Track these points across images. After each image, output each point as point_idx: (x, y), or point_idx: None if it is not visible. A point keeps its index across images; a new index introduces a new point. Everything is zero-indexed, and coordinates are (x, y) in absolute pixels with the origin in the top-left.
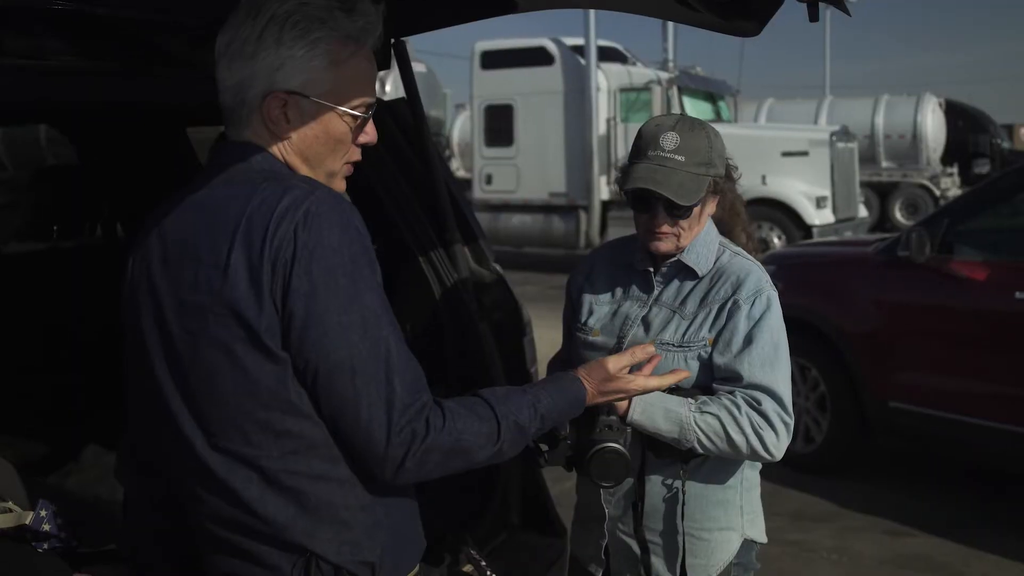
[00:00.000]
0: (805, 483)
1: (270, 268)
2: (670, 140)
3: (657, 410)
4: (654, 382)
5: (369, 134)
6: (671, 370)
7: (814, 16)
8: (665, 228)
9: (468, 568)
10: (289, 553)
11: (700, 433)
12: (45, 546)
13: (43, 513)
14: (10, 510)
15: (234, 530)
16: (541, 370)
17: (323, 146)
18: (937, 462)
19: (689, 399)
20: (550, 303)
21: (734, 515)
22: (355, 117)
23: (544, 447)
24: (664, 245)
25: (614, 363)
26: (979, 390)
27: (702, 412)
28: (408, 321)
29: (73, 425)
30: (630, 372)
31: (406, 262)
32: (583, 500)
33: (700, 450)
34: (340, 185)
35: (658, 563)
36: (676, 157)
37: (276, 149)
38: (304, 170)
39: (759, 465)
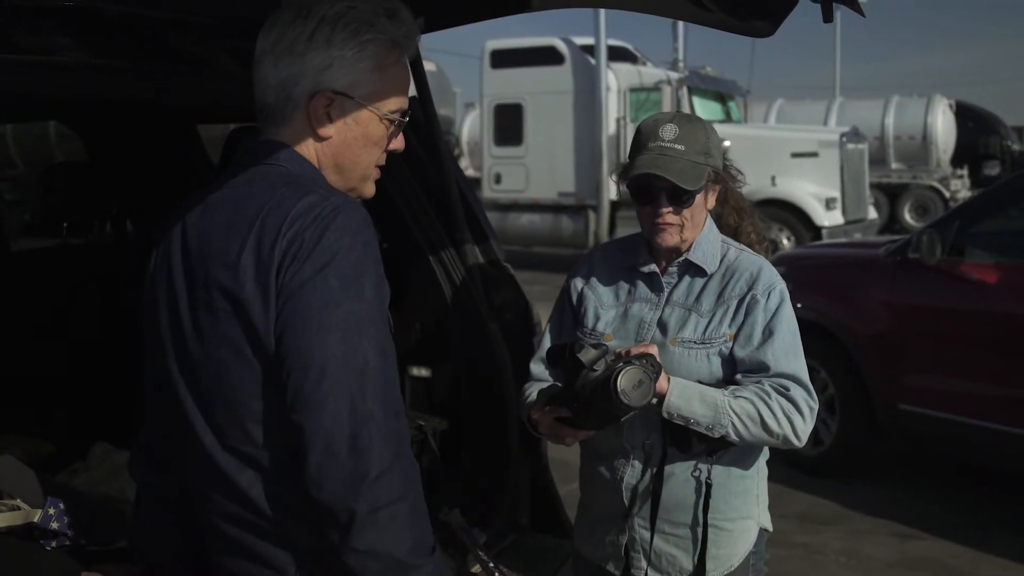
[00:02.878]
0: (813, 485)
1: (275, 269)
2: (669, 131)
3: (693, 393)
4: None
5: (399, 141)
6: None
7: (828, 16)
8: (669, 218)
9: (476, 569)
10: (292, 552)
11: (735, 417)
12: (53, 544)
13: (52, 511)
14: (19, 508)
15: (241, 529)
16: None
17: (361, 148)
18: (946, 465)
19: (729, 388)
20: None
21: (752, 504)
22: (393, 122)
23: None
24: (668, 238)
25: None
26: (989, 393)
27: (736, 397)
28: (418, 321)
29: (81, 423)
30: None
31: (416, 262)
32: (594, 499)
33: (732, 436)
34: (370, 189)
35: (681, 556)
36: (676, 146)
37: (312, 149)
38: (333, 175)
39: (768, 455)
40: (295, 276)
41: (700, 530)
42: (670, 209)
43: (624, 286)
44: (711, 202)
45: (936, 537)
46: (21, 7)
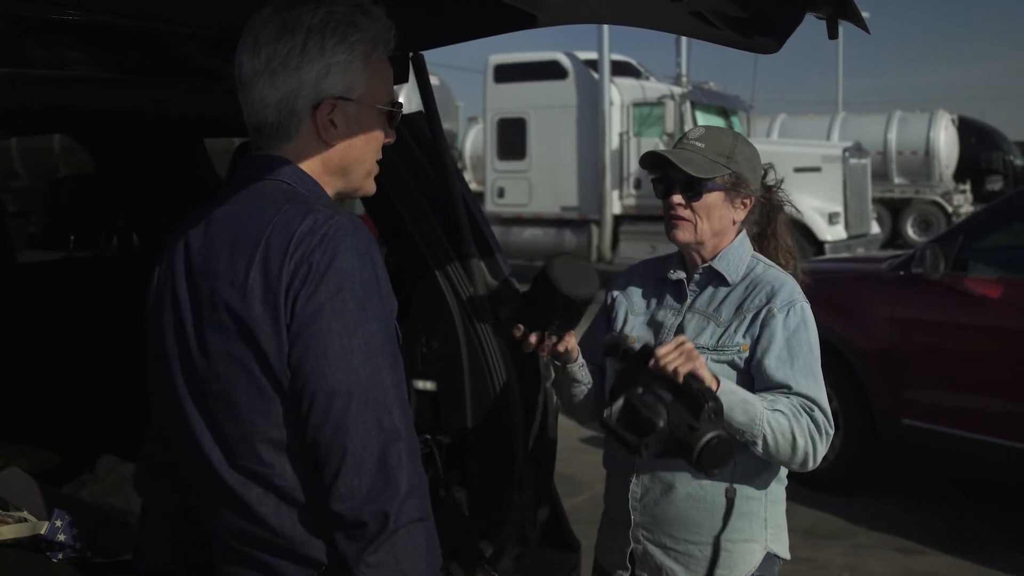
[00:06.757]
0: (817, 500)
1: (284, 291)
2: (695, 132)
3: (736, 400)
4: None
5: (392, 134)
6: None
7: (833, 33)
8: (681, 211)
9: None
10: (304, 567)
11: (768, 430)
12: (60, 556)
13: (58, 523)
14: (25, 520)
15: (249, 543)
16: None
17: (364, 145)
18: (949, 480)
19: (762, 395)
20: None
21: (758, 527)
22: (389, 114)
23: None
24: (681, 233)
25: None
26: (993, 408)
27: (773, 410)
28: (424, 334)
29: (88, 435)
30: None
31: (422, 276)
32: (609, 506)
33: (758, 448)
34: (373, 186)
35: (680, 571)
36: (697, 144)
37: (319, 158)
38: (339, 180)
39: (785, 480)
40: (310, 300)
41: (700, 548)
42: (681, 201)
43: (654, 294)
44: (739, 214)
45: (939, 552)
46: (29, 20)
